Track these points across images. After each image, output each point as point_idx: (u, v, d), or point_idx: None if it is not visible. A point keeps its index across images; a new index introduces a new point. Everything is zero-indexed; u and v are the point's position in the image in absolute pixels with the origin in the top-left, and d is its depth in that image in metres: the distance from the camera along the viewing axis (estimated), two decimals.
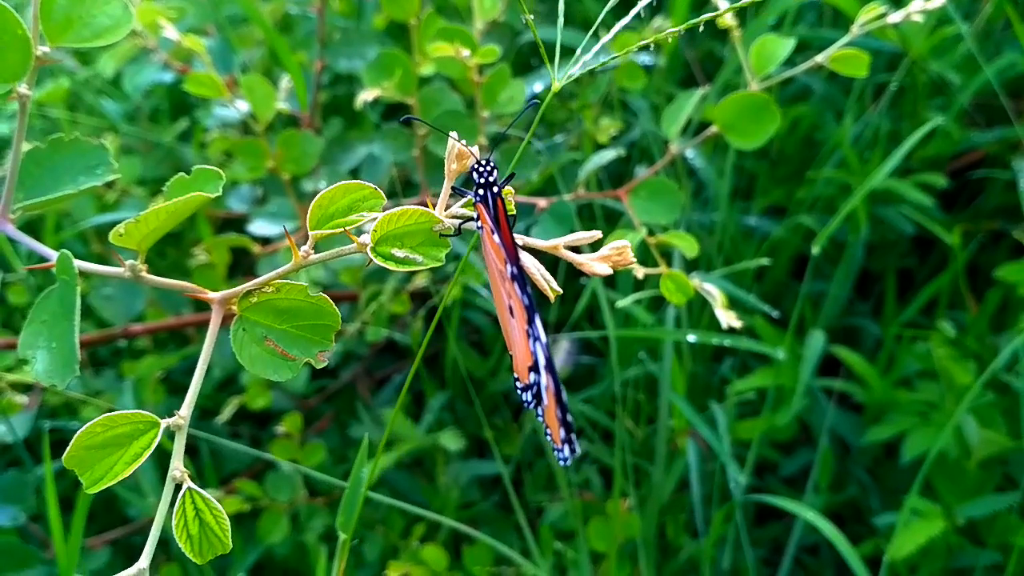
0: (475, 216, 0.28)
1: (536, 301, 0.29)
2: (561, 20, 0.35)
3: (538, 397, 0.27)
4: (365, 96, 0.56)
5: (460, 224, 0.28)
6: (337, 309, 0.28)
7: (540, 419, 0.28)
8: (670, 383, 0.66)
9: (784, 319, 0.69)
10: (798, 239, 0.85)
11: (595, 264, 0.27)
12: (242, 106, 0.57)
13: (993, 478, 0.70)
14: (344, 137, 0.70)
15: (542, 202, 0.55)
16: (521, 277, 0.26)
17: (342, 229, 0.26)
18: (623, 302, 0.57)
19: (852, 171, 0.79)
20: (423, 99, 0.58)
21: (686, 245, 0.49)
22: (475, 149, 0.29)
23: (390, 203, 0.65)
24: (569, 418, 0.26)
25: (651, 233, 0.51)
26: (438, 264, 0.26)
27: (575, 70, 0.32)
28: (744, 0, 0.32)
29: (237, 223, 0.73)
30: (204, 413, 0.80)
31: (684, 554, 0.75)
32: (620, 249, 0.27)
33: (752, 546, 0.73)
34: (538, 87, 0.73)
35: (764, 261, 0.64)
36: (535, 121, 0.34)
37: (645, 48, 0.79)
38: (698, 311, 0.77)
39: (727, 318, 0.47)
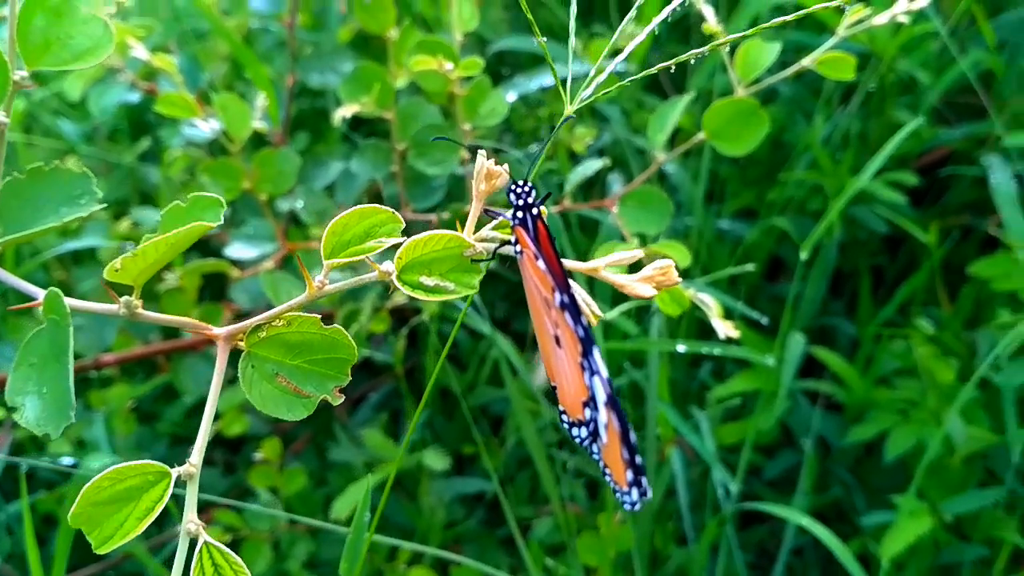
0: (512, 240, 0.27)
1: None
2: (574, 28, 0.34)
3: (594, 435, 0.26)
4: (344, 112, 0.55)
5: (496, 248, 0.27)
6: (352, 341, 0.26)
7: (595, 457, 0.26)
8: (656, 392, 0.66)
9: (762, 323, 0.69)
10: (771, 242, 0.85)
11: (638, 286, 0.26)
12: (213, 125, 0.55)
13: (976, 473, 0.70)
14: (315, 153, 0.68)
15: None
16: (574, 306, 0.25)
17: (361, 257, 0.25)
18: (610, 314, 0.56)
19: (824, 172, 0.79)
20: (401, 113, 0.57)
21: (678, 255, 0.49)
22: (504, 168, 0.27)
23: None
24: (639, 460, 0.25)
25: (642, 243, 0.50)
26: (471, 292, 0.25)
27: (587, 92, 0.31)
28: None
29: (204, 245, 0.71)
30: (176, 440, 0.78)
31: (673, 563, 0.74)
32: (664, 269, 0.26)
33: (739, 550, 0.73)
34: (511, 97, 0.72)
35: (750, 267, 0.63)
36: (545, 144, 0.33)
37: (616, 55, 0.78)
38: (678, 318, 0.76)
39: (724, 328, 0.46)
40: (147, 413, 0.79)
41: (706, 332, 0.82)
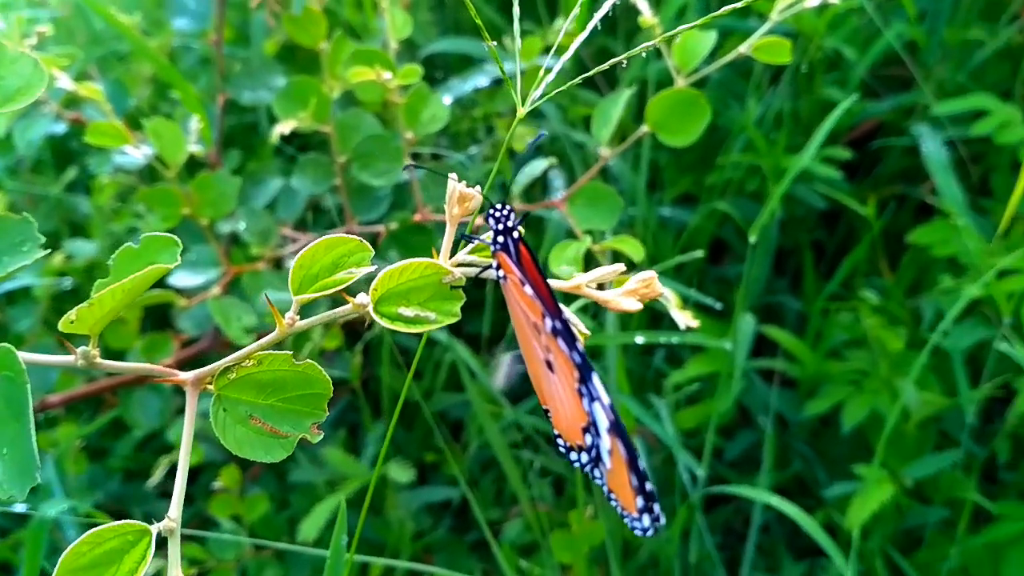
0: (495, 265, 0.26)
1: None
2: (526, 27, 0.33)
3: (596, 460, 0.25)
4: (282, 128, 0.53)
5: (477, 274, 0.26)
6: (327, 376, 0.25)
7: (598, 482, 0.26)
8: (616, 384, 0.66)
9: (716, 308, 0.69)
10: (713, 225, 0.85)
11: (623, 301, 0.26)
12: (146, 151, 0.53)
13: (930, 437, 0.72)
14: (249, 171, 0.67)
15: (479, 220, 0.53)
16: (567, 332, 0.25)
17: (333, 291, 0.24)
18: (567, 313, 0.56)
19: (760, 153, 0.80)
20: (340, 126, 0.55)
21: (631, 249, 0.48)
22: (476, 190, 0.27)
23: (312, 236, 0.62)
24: (649, 487, 0.25)
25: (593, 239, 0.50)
26: (454, 320, 0.24)
27: (538, 93, 0.31)
28: None
29: None
30: (129, 476, 0.76)
31: (644, 552, 0.74)
32: (647, 281, 0.26)
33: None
34: (447, 100, 0.72)
35: (699, 254, 0.64)
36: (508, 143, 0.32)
37: (547, 51, 0.78)
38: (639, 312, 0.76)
39: (683, 319, 0.46)
40: (96, 449, 0.77)
41: (656, 320, 0.83)
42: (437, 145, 0.81)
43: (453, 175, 0.26)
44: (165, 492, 0.75)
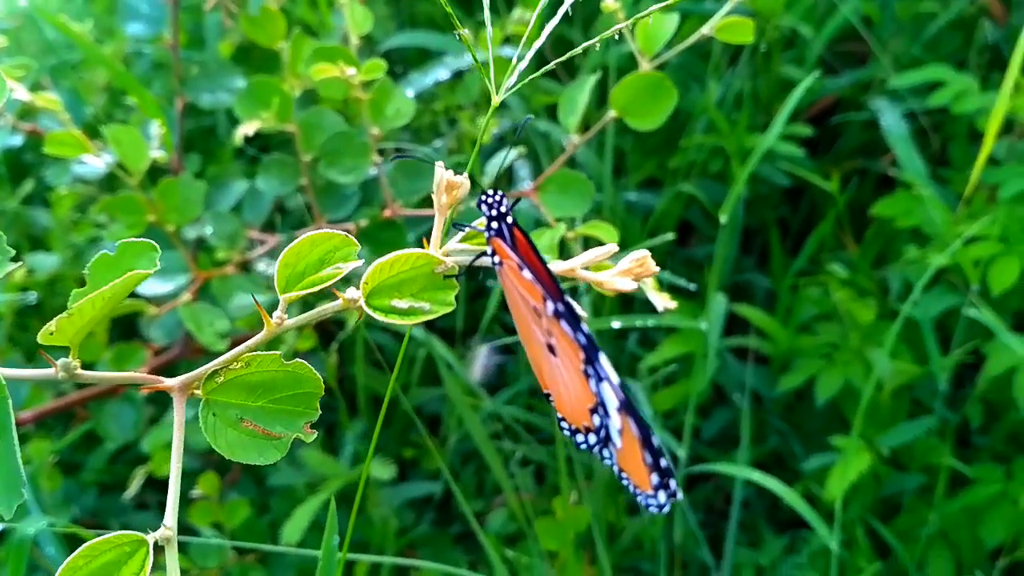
0: (490, 252, 0.26)
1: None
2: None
3: (605, 441, 0.25)
4: (245, 130, 0.53)
5: (471, 262, 0.26)
6: (318, 374, 0.25)
7: (607, 462, 0.26)
8: None
9: (690, 289, 0.69)
10: (679, 207, 0.86)
11: (618, 281, 0.26)
12: (107, 159, 0.52)
13: (903, 406, 0.73)
14: (210, 175, 0.66)
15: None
16: (570, 314, 0.25)
17: (320, 287, 0.24)
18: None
19: (723, 134, 0.80)
20: (304, 124, 0.55)
21: (606, 234, 0.49)
22: (464, 177, 0.26)
23: (280, 237, 0.62)
24: (664, 463, 0.25)
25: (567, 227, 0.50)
26: (449, 309, 0.24)
27: (511, 81, 0.30)
28: None
29: None
30: (104, 489, 0.74)
31: (628, 535, 0.75)
32: (641, 260, 0.26)
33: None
34: (408, 94, 0.71)
35: (670, 236, 0.64)
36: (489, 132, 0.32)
37: (508, 41, 0.77)
38: (601, 295, 0.76)
39: (661, 301, 0.46)
40: (69, 464, 0.75)
41: (627, 304, 0.83)
42: (399, 140, 0.80)
43: (440, 163, 0.26)
44: (142, 503, 0.74)
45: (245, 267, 0.62)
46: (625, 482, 0.26)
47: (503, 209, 0.26)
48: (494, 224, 0.26)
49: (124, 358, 0.61)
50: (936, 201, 0.68)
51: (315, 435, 0.25)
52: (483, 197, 0.26)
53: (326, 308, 0.25)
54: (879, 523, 0.71)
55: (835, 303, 0.74)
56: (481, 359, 0.71)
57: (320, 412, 0.26)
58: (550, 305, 0.25)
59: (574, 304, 0.25)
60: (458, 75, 0.77)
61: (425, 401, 0.82)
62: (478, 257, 0.26)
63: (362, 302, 0.24)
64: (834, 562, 0.60)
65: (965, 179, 0.78)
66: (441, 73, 0.72)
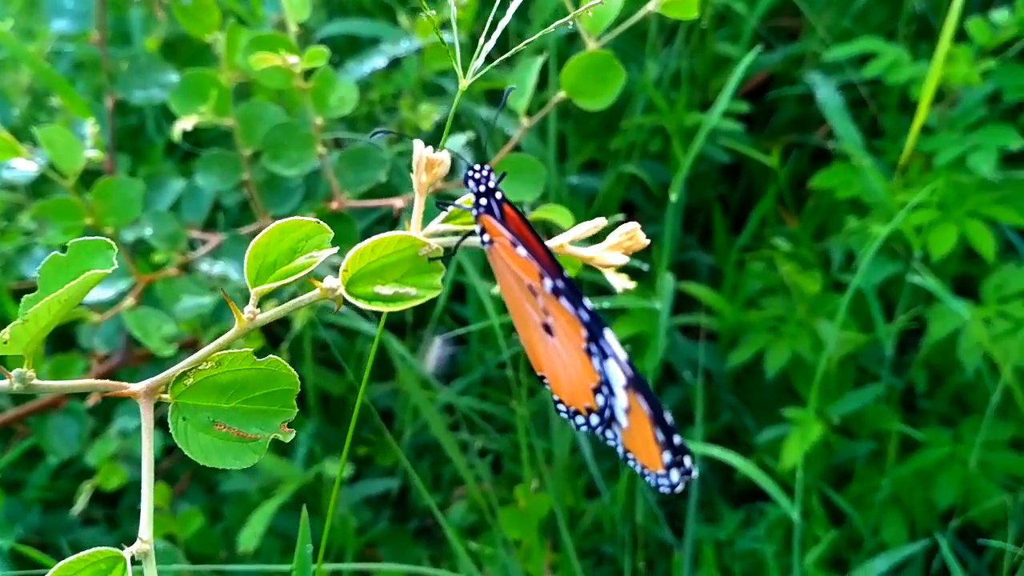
0: (479, 230, 0.25)
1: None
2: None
3: (609, 421, 0.24)
4: (183, 125, 0.51)
5: (458, 243, 0.25)
6: (293, 370, 0.24)
7: (611, 443, 0.25)
8: None
9: (643, 269, 0.69)
10: (621, 189, 0.86)
11: (608, 256, 0.25)
12: (39, 160, 0.50)
13: (850, 374, 0.74)
14: (147, 174, 0.64)
15: (398, 202, 0.52)
16: (571, 290, 0.24)
17: (295, 278, 0.23)
18: (498, 288, 0.55)
19: (663, 114, 0.80)
20: (244, 117, 0.53)
21: (562, 217, 0.48)
22: (445, 154, 0.25)
23: (226, 236, 0.60)
24: (678, 440, 0.24)
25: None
26: (436, 293, 0.23)
27: (478, 63, 0.29)
28: None
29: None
30: (49, 506, 0.72)
31: (588, 518, 0.75)
32: (630, 233, 0.25)
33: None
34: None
35: (620, 218, 0.64)
36: (450, 124, 0.31)
37: (446, 26, 0.76)
38: None
39: (620, 282, 0.46)
40: (9, 483, 0.73)
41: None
42: (335, 131, 0.79)
43: (418, 141, 0.25)
44: (89, 519, 0.72)
45: (187, 268, 0.60)
46: (631, 463, 0.25)
47: (491, 184, 0.25)
48: (482, 201, 0.25)
49: (63, 370, 0.59)
50: (876, 171, 0.69)
51: (293, 434, 0.24)
52: (469, 172, 0.25)
53: (303, 299, 0.24)
54: (832, 491, 0.72)
55: (780, 277, 0.75)
56: (434, 350, 0.70)
57: (297, 410, 0.24)
58: (548, 282, 0.24)
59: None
60: (395, 63, 0.76)
61: (376, 396, 0.81)
62: (465, 237, 0.25)
63: (342, 290, 0.23)
64: (797, 532, 0.60)
65: (899, 149, 0.79)
66: (378, 61, 0.71)
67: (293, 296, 0.55)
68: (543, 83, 0.77)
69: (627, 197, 0.88)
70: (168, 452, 0.76)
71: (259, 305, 0.24)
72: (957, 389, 0.73)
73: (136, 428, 0.68)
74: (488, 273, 0.69)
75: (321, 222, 0.23)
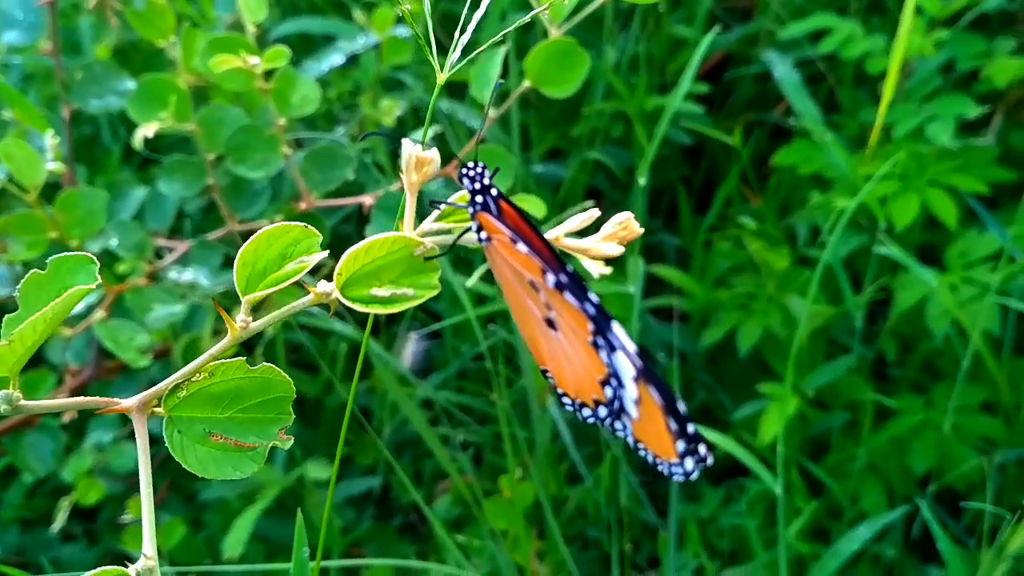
0: (475, 228, 0.25)
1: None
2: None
3: (617, 413, 0.24)
4: (145, 132, 0.50)
5: (454, 241, 0.24)
6: (287, 376, 0.24)
7: (620, 434, 0.25)
8: (524, 344, 0.65)
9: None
10: (585, 176, 0.86)
11: (603, 247, 0.25)
12: None
13: (820, 347, 0.75)
14: (106, 184, 0.63)
15: (367, 199, 0.52)
16: (575, 284, 0.24)
17: (286, 283, 0.22)
18: (472, 280, 0.55)
19: (623, 99, 0.80)
20: (205, 121, 0.52)
21: (535, 207, 0.48)
22: (434, 152, 0.25)
23: (193, 243, 0.59)
24: (691, 428, 0.24)
25: None
26: (435, 292, 0.23)
27: (455, 56, 0.29)
28: None
29: None
30: (26, 525, 0.71)
31: (572, 504, 0.75)
32: (624, 223, 0.25)
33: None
34: None
35: (589, 204, 0.64)
36: (437, 119, 0.31)
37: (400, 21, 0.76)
38: None
39: (597, 268, 0.46)
40: None
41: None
42: (294, 131, 0.78)
43: (407, 139, 0.25)
44: (68, 535, 0.71)
45: (154, 277, 0.59)
46: (642, 453, 0.25)
47: (486, 181, 0.25)
48: (478, 198, 0.25)
49: (34, 387, 0.58)
50: (839, 146, 0.70)
51: (291, 441, 0.24)
52: (464, 170, 0.25)
53: (295, 304, 0.23)
54: (810, 463, 0.73)
55: (749, 255, 0.75)
56: (410, 347, 0.70)
57: (293, 416, 0.24)
58: (550, 277, 0.24)
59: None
60: (352, 60, 0.75)
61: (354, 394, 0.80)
62: (461, 235, 0.25)
63: (337, 294, 0.23)
64: (780, 504, 0.61)
65: (857, 123, 0.81)
66: (336, 58, 0.70)
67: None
68: (503, 73, 0.77)
69: (591, 183, 0.88)
70: None
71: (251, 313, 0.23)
72: (926, 356, 0.74)
73: (111, 441, 0.67)
74: (460, 266, 0.69)
75: (309, 226, 0.23)
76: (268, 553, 0.73)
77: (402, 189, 0.56)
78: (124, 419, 0.71)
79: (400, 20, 0.73)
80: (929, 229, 0.74)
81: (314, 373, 0.80)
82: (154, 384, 0.26)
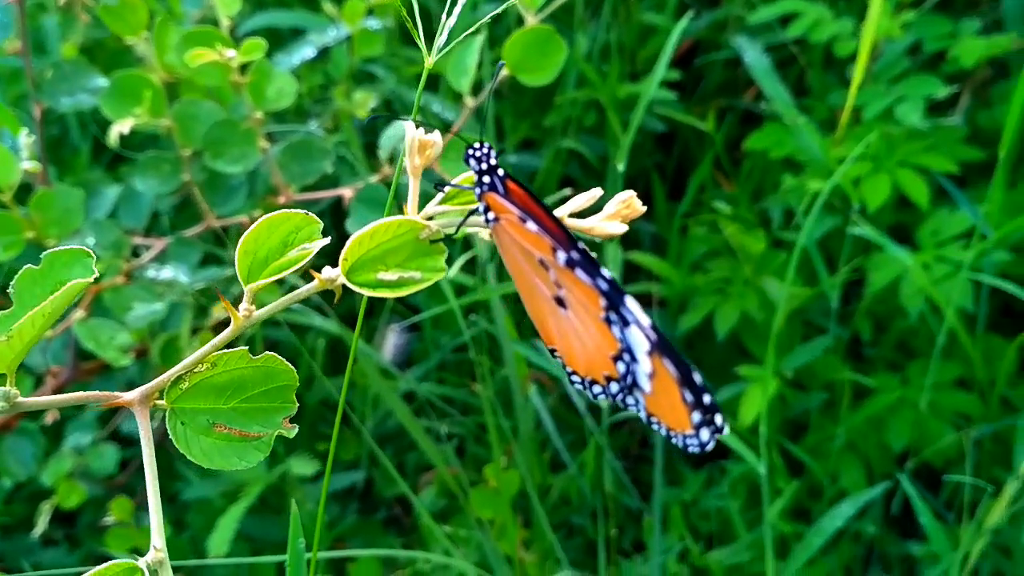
0: (482, 208, 0.25)
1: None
2: None
3: (631, 388, 0.24)
4: (121, 128, 0.49)
5: (461, 223, 0.24)
6: (290, 365, 0.24)
7: (633, 408, 0.25)
8: (508, 334, 0.66)
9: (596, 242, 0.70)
10: (560, 166, 0.86)
11: (607, 225, 0.25)
12: None
13: (797, 329, 0.76)
14: (79, 183, 0.62)
15: (347, 192, 0.52)
16: (587, 261, 0.24)
17: (290, 271, 0.22)
18: (452, 271, 0.55)
19: (596, 87, 0.81)
20: (180, 117, 0.52)
21: None
22: (436, 135, 0.25)
23: (171, 240, 0.59)
24: (708, 399, 0.24)
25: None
26: (442, 275, 0.23)
27: (441, 40, 0.29)
28: None
29: None
30: (6, 531, 0.70)
31: (555, 491, 0.75)
32: (627, 201, 0.25)
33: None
34: None
35: (568, 192, 0.64)
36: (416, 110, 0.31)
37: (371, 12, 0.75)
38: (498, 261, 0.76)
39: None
40: None
41: None
42: (266, 126, 0.78)
43: (410, 122, 0.24)
44: (50, 540, 0.70)
45: (130, 276, 0.58)
46: (656, 426, 0.25)
47: (492, 161, 0.25)
48: (485, 179, 0.25)
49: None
50: (812, 128, 0.71)
51: (295, 429, 0.24)
52: (470, 151, 0.25)
53: (301, 291, 0.23)
54: (790, 443, 0.74)
55: (724, 239, 0.76)
56: (391, 339, 0.70)
57: (297, 404, 0.24)
58: (561, 255, 0.24)
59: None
60: (323, 53, 0.75)
61: (332, 391, 0.80)
62: (468, 216, 0.25)
63: (343, 279, 0.23)
64: (764, 484, 0.62)
65: (826, 106, 0.81)
66: (308, 51, 0.70)
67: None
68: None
69: (566, 172, 0.88)
70: (123, 466, 0.74)
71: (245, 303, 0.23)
72: (900, 335, 0.75)
73: (90, 444, 0.66)
74: None
75: (309, 213, 0.23)
76: (253, 551, 0.72)
77: (382, 180, 0.55)
78: (103, 421, 0.70)
79: (371, 12, 0.73)
80: (901, 209, 0.75)
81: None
82: (133, 385, 0.25)
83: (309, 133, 0.57)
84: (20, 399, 0.25)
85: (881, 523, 0.71)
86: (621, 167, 0.61)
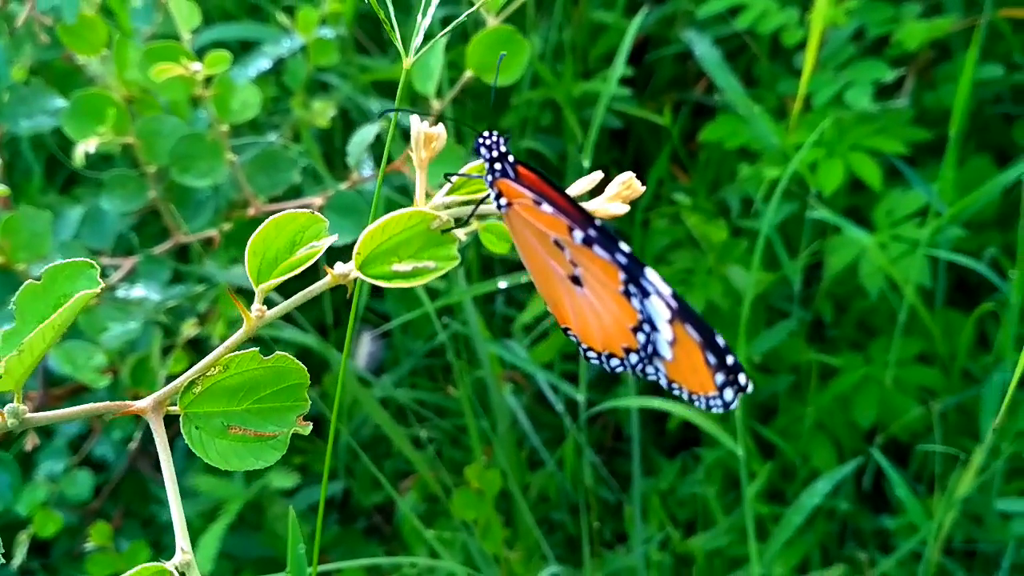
0: (494, 195, 0.25)
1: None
2: None
3: (650, 357, 0.25)
4: (86, 147, 0.49)
5: (473, 211, 0.25)
6: (301, 364, 0.24)
7: (652, 377, 0.26)
8: (482, 335, 0.66)
9: None
10: None
11: (610, 207, 0.26)
12: None
13: (760, 314, 0.77)
14: (42, 206, 0.61)
15: (317, 200, 0.52)
16: (605, 236, 0.24)
17: (299, 269, 0.23)
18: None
19: (552, 87, 0.82)
20: (144, 133, 0.52)
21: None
22: (441, 128, 0.25)
23: (140, 257, 0.58)
24: (731, 359, 0.25)
25: None
26: (455, 263, 0.23)
27: (417, 41, 0.29)
28: None
29: None
30: None
31: (534, 489, 0.76)
32: (627, 182, 0.26)
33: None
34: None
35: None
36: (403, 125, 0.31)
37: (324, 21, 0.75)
38: (474, 260, 0.77)
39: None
40: None
41: (488, 268, 0.84)
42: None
43: (415, 116, 0.25)
44: (26, 570, 0.69)
45: (99, 296, 0.57)
46: (677, 392, 0.26)
47: (503, 149, 0.25)
48: (496, 166, 0.25)
49: None
50: (767, 117, 0.72)
51: (310, 427, 0.24)
52: (480, 140, 0.25)
53: (313, 288, 0.24)
54: (761, 426, 0.75)
55: (685, 230, 0.77)
56: (364, 347, 0.70)
57: (309, 402, 0.24)
58: (578, 234, 0.24)
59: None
60: (278, 64, 0.74)
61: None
62: (479, 203, 0.25)
63: (357, 273, 0.23)
64: (743, 466, 0.63)
65: (775, 95, 0.83)
66: (263, 63, 0.70)
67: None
68: None
69: None
70: (97, 492, 0.73)
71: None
72: (861, 314, 0.77)
73: (63, 471, 0.65)
74: None
75: (315, 212, 0.23)
76: (235, 570, 0.72)
77: (352, 187, 0.56)
78: (75, 448, 0.69)
79: (324, 21, 0.73)
80: (855, 192, 0.77)
81: None
82: None
83: (274, 144, 0.57)
84: (29, 415, 0.25)
85: (853, 499, 0.73)
86: (587, 162, 0.62)
